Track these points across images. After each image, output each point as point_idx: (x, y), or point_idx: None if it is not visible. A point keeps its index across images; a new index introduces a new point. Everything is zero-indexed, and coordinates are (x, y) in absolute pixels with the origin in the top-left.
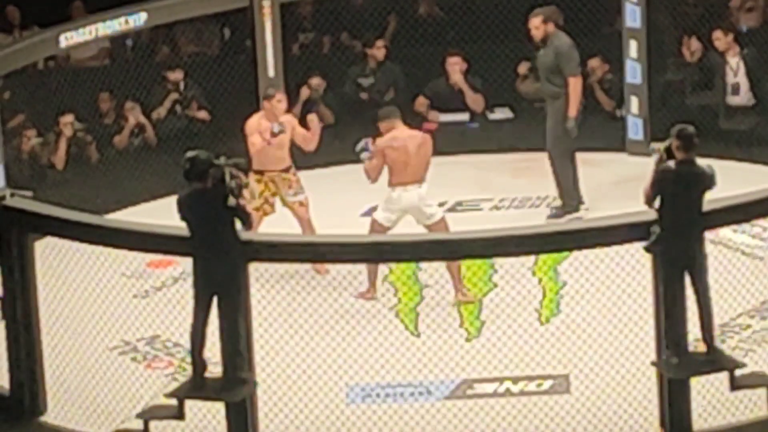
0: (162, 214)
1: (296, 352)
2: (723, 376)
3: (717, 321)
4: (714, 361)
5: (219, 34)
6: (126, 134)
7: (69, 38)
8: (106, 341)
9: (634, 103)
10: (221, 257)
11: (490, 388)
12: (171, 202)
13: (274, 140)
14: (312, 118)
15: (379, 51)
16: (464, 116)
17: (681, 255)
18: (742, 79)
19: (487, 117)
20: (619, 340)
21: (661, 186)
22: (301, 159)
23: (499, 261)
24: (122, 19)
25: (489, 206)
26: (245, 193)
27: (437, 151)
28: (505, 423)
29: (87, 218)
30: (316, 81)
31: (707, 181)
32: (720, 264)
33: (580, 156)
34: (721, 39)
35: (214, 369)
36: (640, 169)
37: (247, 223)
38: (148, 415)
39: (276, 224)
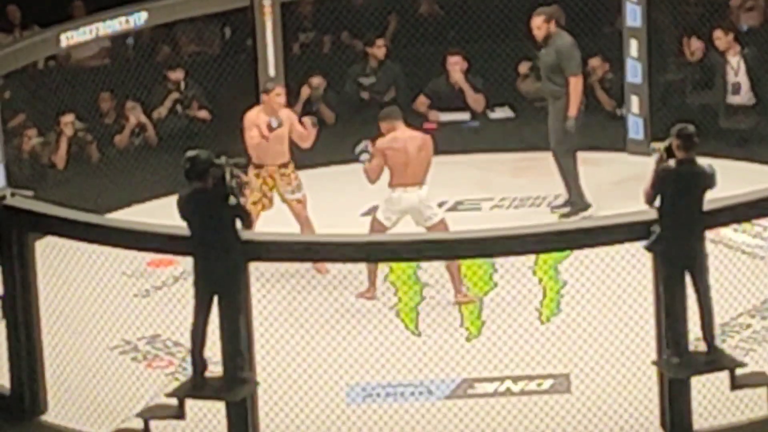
0: (162, 213)
1: (297, 351)
2: (723, 376)
3: (717, 320)
4: (714, 360)
5: (220, 33)
6: (127, 134)
7: (69, 38)
8: (106, 340)
9: (634, 103)
10: (222, 257)
11: (490, 387)
12: (171, 202)
13: (272, 135)
14: (307, 121)
15: (379, 50)
16: (465, 115)
17: (681, 254)
18: (743, 79)
19: (488, 116)
20: (619, 339)
21: (662, 185)
22: (302, 158)
23: (499, 260)
24: (123, 19)
25: (489, 206)
26: (245, 191)
27: (437, 151)
28: (505, 422)
29: (87, 217)
30: (316, 80)
31: (708, 180)
32: (720, 263)
33: (580, 155)
34: (721, 38)
35: (215, 368)
36: (641, 168)
37: (248, 223)
38: (149, 414)
39: (275, 221)
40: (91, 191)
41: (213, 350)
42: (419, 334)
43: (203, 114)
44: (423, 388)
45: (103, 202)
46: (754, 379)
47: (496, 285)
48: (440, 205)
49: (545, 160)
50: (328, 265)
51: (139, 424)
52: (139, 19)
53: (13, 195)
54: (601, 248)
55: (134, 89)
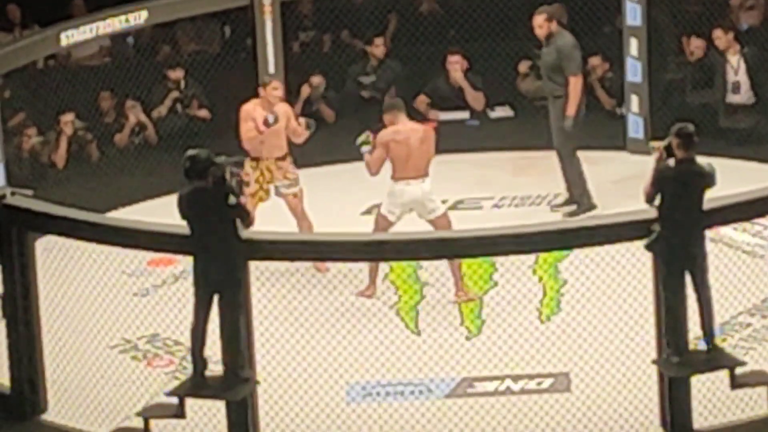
0: (163, 212)
1: (297, 350)
2: (723, 375)
3: (717, 319)
4: (714, 359)
5: (219, 32)
6: (126, 133)
7: (69, 37)
8: (106, 339)
9: (634, 102)
10: (222, 256)
11: (490, 386)
12: (172, 201)
13: (267, 131)
14: (303, 122)
15: (377, 49)
16: (464, 114)
17: (681, 253)
18: (743, 78)
19: (488, 115)
20: (619, 338)
21: (662, 184)
22: (302, 157)
23: (499, 259)
24: (123, 18)
25: (489, 205)
26: (245, 190)
27: (437, 150)
28: (505, 421)
29: (87, 217)
30: (316, 79)
31: (707, 179)
32: (720, 262)
33: (580, 154)
34: (721, 37)
35: (215, 367)
36: (641, 167)
37: (248, 222)
38: (149, 413)
39: (274, 221)
40: (91, 190)
41: (213, 349)
42: (419, 333)
43: (203, 113)
44: (423, 387)
45: (103, 201)
46: (754, 378)
47: (496, 284)
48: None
49: (545, 158)
50: (328, 264)
51: (139, 423)
52: (139, 17)
53: (13, 194)
54: (601, 247)
55: (134, 88)
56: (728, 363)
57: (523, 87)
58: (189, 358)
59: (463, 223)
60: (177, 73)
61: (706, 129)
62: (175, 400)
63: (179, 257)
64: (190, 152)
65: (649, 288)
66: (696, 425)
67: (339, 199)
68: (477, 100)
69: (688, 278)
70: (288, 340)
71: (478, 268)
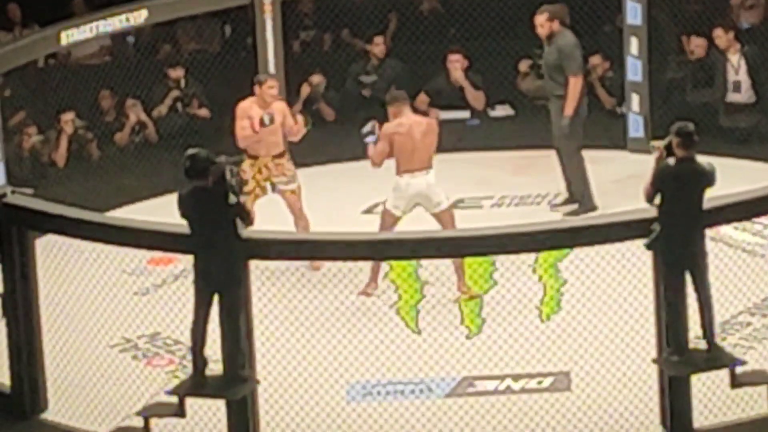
0: (163, 211)
1: (297, 349)
2: (724, 374)
3: (717, 318)
4: (714, 358)
5: (220, 31)
6: (127, 132)
7: (70, 36)
8: (106, 339)
9: (634, 101)
10: (222, 255)
11: (490, 385)
12: (172, 200)
13: (262, 130)
14: (300, 119)
15: (376, 48)
16: (465, 113)
17: (682, 252)
18: (743, 77)
19: (488, 114)
20: (619, 337)
21: (662, 183)
22: (303, 156)
23: (499, 258)
24: (123, 17)
25: (490, 204)
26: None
27: (438, 149)
28: (506, 420)
29: (88, 216)
30: (317, 78)
31: (707, 178)
32: (721, 261)
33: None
34: (721, 37)
35: (215, 366)
36: (641, 166)
37: (248, 221)
38: (149, 412)
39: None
40: (92, 189)
41: (213, 348)
42: (419, 332)
43: (203, 112)
44: (423, 386)
45: (104, 200)
46: (754, 377)
47: (496, 283)
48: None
49: (545, 158)
50: (325, 262)
51: (139, 422)
52: (139, 17)
53: (13, 193)
54: (601, 246)
55: (134, 87)
56: (728, 362)
57: (524, 86)
58: (189, 357)
59: (463, 223)
60: (177, 72)
61: (706, 128)
62: (175, 399)
63: (179, 256)
64: (191, 151)
65: (650, 287)
66: (696, 424)
67: (339, 198)
68: (477, 99)
69: (688, 277)
70: (288, 339)
71: (479, 267)
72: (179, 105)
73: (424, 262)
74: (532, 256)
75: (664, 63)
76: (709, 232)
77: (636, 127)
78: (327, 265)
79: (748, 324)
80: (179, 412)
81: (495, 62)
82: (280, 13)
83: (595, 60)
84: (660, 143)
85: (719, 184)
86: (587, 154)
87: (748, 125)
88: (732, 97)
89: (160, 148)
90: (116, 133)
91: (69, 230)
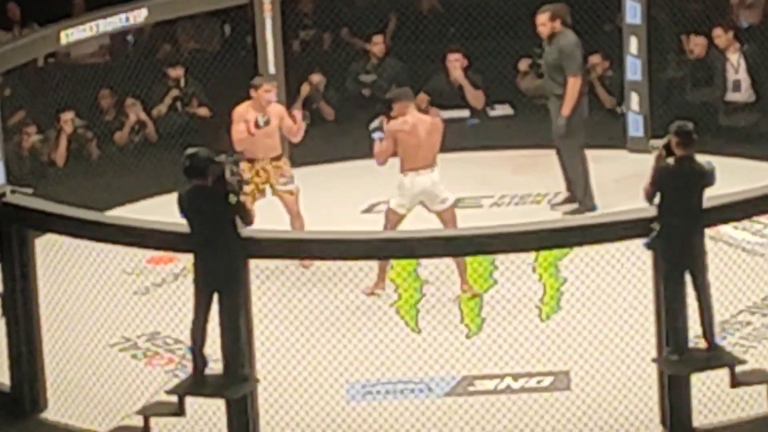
0: (162, 210)
1: (297, 348)
2: (723, 373)
3: (717, 318)
4: (714, 357)
5: (219, 30)
6: (126, 131)
7: (69, 35)
8: (106, 338)
9: (634, 100)
10: (222, 254)
11: (490, 384)
12: (171, 199)
13: (258, 132)
14: (297, 113)
15: (375, 46)
16: (464, 113)
17: (681, 252)
18: (743, 76)
19: (488, 114)
20: (619, 336)
21: (661, 183)
22: (303, 155)
23: (499, 258)
24: (123, 16)
25: (489, 203)
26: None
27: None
28: (505, 420)
29: (87, 215)
30: (316, 78)
31: (707, 177)
32: (720, 261)
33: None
34: (721, 36)
35: (215, 366)
36: (641, 165)
37: (248, 220)
38: (149, 411)
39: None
40: (91, 188)
41: (213, 347)
42: (419, 332)
43: (203, 111)
44: (423, 385)
45: (103, 199)
46: (754, 376)
47: (496, 282)
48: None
49: (545, 157)
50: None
51: (139, 421)
52: (139, 16)
53: (12, 192)
54: (601, 245)
55: (134, 86)
56: (728, 361)
57: (523, 85)
58: (189, 356)
59: (463, 222)
60: (177, 72)
61: (706, 127)
62: (174, 398)
63: (179, 255)
64: (190, 150)
65: (649, 286)
66: (696, 423)
67: (339, 197)
68: (477, 98)
69: (687, 277)
70: (288, 338)
71: (478, 267)
72: (179, 104)
73: (424, 261)
74: (532, 255)
75: (664, 62)
76: (708, 232)
77: (635, 127)
78: (327, 264)
79: (748, 323)
80: (179, 411)
81: (494, 61)
82: (279, 12)
83: (595, 59)
84: (659, 142)
85: (719, 183)
86: (587, 154)
87: (747, 124)
88: (732, 96)
89: (159, 148)
90: (116, 133)
91: (69, 229)
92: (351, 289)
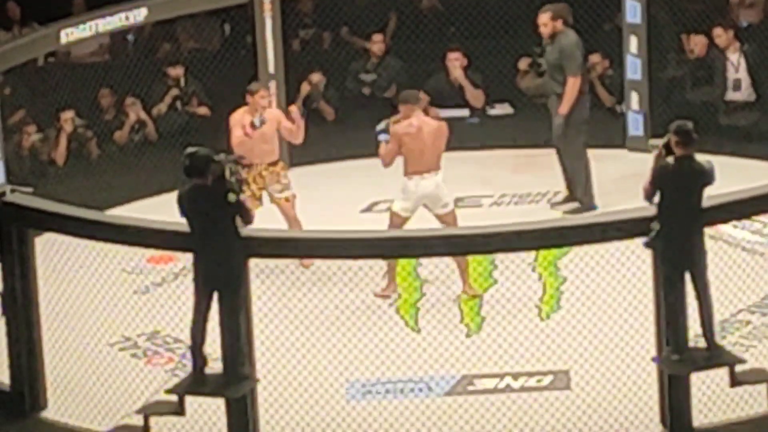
0: (162, 210)
1: (297, 348)
2: (723, 372)
3: (717, 317)
4: (714, 357)
5: (219, 30)
6: (126, 130)
7: (69, 34)
8: (106, 337)
9: (634, 99)
10: (222, 253)
11: (490, 383)
12: (171, 198)
13: (254, 133)
14: (292, 109)
15: (375, 45)
16: (464, 112)
17: (681, 251)
18: (743, 75)
19: (487, 113)
20: (619, 336)
21: (661, 182)
22: (302, 155)
23: (499, 257)
24: (123, 15)
25: (489, 202)
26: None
27: None
28: (505, 419)
29: (87, 214)
30: (316, 77)
31: (707, 176)
32: (720, 260)
33: None
34: (721, 35)
35: (215, 365)
36: (640, 165)
37: (248, 219)
38: (149, 410)
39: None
40: (91, 187)
41: (213, 347)
42: (419, 331)
43: (203, 110)
44: (423, 384)
45: (103, 198)
46: (754, 375)
47: (496, 281)
48: None
49: (545, 156)
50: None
51: (138, 420)
52: (139, 15)
53: (12, 191)
54: (601, 245)
55: (134, 86)
56: (728, 361)
57: (523, 84)
58: (189, 355)
59: (463, 221)
60: (177, 71)
61: (706, 126)
62: (174, 397)
63: (179, 254)
64: (190, 150)
65: (649, 285)
66: (695, 423)
67: (338, 196)
68: (477, 97)
69: (687, 276)
70: (288, 337)
71: (478, 266)
72: (179, 103)
73: (424, 260)
74: (532, 254)
75: (664, 61)
76: (708, 231)
77: (635, 126)
78: (327, 263)
79: (748, 322)
80: (179, 410)
81: (494, 61)
82: (279, 11)
83: (595, 58)
84: (659, 141)
85: (718, 182)
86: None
87: (747, 123)
88: (732, 95)
89: (159, 147)
90: (116, 132)
91: (68, 229)
92: (351, 288)
